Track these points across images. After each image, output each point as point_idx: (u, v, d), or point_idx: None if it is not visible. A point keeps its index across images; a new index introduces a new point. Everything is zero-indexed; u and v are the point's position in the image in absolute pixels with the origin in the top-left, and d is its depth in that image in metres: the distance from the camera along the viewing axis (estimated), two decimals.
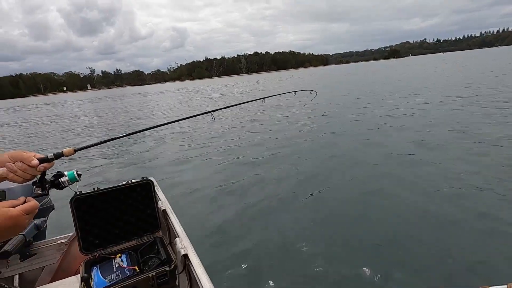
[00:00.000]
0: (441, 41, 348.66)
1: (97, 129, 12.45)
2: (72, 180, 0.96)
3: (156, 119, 14.08)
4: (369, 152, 5.53)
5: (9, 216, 0.75)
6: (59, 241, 1.70)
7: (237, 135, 8.35)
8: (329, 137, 6.99)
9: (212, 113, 1.53)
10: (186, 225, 1.52)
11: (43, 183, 0.95)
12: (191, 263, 1.13)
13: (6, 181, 0.88)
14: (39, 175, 0.92)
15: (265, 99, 2.18)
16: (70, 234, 1.73)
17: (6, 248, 1.30)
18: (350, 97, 14.48)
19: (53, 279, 1.69)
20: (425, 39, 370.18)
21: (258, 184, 4.50)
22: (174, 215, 1.57)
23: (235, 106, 1.96)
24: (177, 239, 1.28)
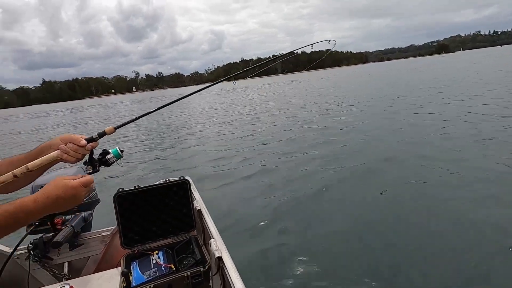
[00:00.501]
0: (499, 33, 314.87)
1: (138, 128, 13.22)
2: (117, 156, 1.02)
3: (192, 118, 14.58)
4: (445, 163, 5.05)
5: (70, 187, 0.83)
6: (103, 234, 1.81)
7: (273, 134, 8.32)
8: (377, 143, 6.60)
9: (234, 80, 1.52)
10: (220, 226, 1.52)
11: (93, 161, 1.02)
12: (225, 266, 1.12)
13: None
14: (88, 155, 1.00)
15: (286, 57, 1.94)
16: (113, 227, 1.83)
17: (57, 238, 1.41)
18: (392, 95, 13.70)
19: (96, 269, 1.80)
20: (479, 31, 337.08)
21: (296, 184, 4.39)
22: (209, 215, 1.58)
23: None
24: (212, 240, 1.28)
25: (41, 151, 1.01)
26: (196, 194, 1.81)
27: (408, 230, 2.93)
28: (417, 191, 3.75)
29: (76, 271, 1.78)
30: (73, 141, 0.96)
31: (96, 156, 1.04)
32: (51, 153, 0.96)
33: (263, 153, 6.45)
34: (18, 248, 1.61)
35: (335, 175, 4.62)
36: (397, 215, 3.23)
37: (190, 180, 1.70)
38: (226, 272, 1.11)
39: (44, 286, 1.68)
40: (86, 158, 1.01)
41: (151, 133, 11.46)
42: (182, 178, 1.61)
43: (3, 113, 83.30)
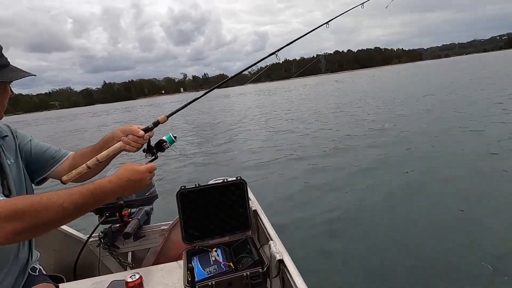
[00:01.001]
0: None
1: (188, 126, 13.89)
2: (171, 142, 1.08)
3: (239, 118, 14.88)
4: None
5: (137, 171, 0.92)
6: (161, 227, 1.91)
7: (324, 136, 8.10)
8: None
9: (276, 53, 1.51)
10: (276, 227, 1.51)
11: (150, 149, 1.10)
12: (287, 270, 1.10)
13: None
14: (146, 144, 1.09)
15: (329, 23, 1.83)
16: (170, 222, 1.92)
17: (128, 230, 1.53)
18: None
19: (155, 261, 1.91)
20: None
21: (352, 184, 4.22)
22: (265, 216, 1.58)
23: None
24: (271, 242, 1.28)
25: (105, 143, 1.11)
26: (250, 194, 1.83)
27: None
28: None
29: (138, 261, 1.91)
30: (132, 132, 1.06)
31: (152, 144, 1.11)
32: (115, 145, 1.06)
33: (317, 155, 6.28)
34: (92, 236, 1.78)
35: (405, 180, 4.31)
36: (484, 243, 2.67)
37: (246, 181, 1.72)
38: (288, 276, 1.09)
39: (112, 272, 1.83)
40: (145, 146, 1.09)
41: (203, 132, 11.92)
42: (239, 178, 1.63)
43: (71, 111, 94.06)
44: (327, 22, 1.76)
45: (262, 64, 1.58)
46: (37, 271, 1.15)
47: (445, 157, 5.06)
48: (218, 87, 1.53)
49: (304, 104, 18.11)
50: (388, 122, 8.71)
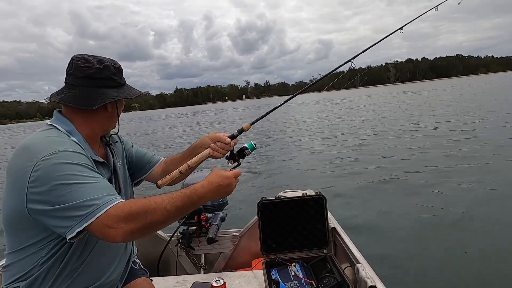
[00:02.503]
0: None
1: (253, 132, 14.23)
2: (252, 149, 1.11)
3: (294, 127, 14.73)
4: None
5: (225, 176, 0.97)
6: (232, 234, 1.96)
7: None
8: None
9: (352, 60, 1.42)
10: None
11: (234, 156, 1.14)
12: None
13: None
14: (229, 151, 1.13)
15: (403, 28, 1.69)
16: (241, 229, 1.96)
17: (211, 235, 1.61)
18: None
19: (226, 266, 1.97)
20: None
21: (449, 204, 3.81)
22: (346, 235, 1.51)
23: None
24: (359, 265, 1.20)
25: (194, 150, 1.18)
26: (328, 211, 1.76)
27: None
28: None
29: (210, 264, 1.99)
30: (220, 140, 1.12)
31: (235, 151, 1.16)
32: (204, 152, 1.12)
33: (395, 169, 5.74)
34: (173, 235, 1.91)
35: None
36: None
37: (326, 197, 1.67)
38: None
39: (187, 272, 1.94)
40: (227, 153, 1.13)
41: (270, 141, 11.79)
42: (319, 193, 1.59)
43: (148, 113, 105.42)
44: (401, 28, 1.66)
45: (324, 72, 1.55)
46: (137, 264, 1.28)
47: None
48: (301, 93, 1.54)
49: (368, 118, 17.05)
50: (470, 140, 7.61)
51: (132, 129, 27.53)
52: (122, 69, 1.05)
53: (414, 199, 4.21)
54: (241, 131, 1.15)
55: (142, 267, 1.30)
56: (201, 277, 1.57)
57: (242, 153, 1.14)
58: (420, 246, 3.01)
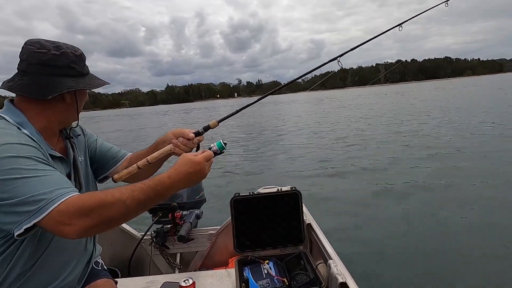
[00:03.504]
0: None
1: (238, 128, 14.21)
2: (221, 148, 1.06)
3: (290, 126, 14.78)
4: None
5: (195, 162, 0.89)
6: (209, 232, 1.91)
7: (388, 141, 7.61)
8: None
9: (339, 58, 1.40)
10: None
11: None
12: None
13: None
14: (195, 148, 1.08)
15: (402, 25, 1.68)
16: (218, 227, 1.91)
17: (182, 233, 1.56)
18: None
19: (202, 264, 1.92)
20: None
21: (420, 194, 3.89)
22: (321, 231, 1.48)
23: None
24: (331, 261, 1.18)
25: (157, 145, 1.13)
26: (304, 207, 1.74)
27: None
28: None
29: (185, 263, 1.93)
30: (183, 135, 1.06)
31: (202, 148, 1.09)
32: (165, 147, 1.07)
33: (373, 167, 5.89)
34: (146, 234, 1.84)
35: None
36: None
37: (301, 192, 1.64)
38: None
39: (162, 272, 1.89)
40: (194, 150, 1.08)
41: (253, 138, 12.04)
42: (294, 188, 1.56)
43: (138, 110, 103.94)
44: (400, 24, 1.62)
45: (317, 72, 1.49)
46: (99, 265, 1.21)
47: None
48: (272, 93, 1.48)
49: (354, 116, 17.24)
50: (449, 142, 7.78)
51: (120, 125, 27.16)
52: (84, 57, 0.99)
53: (392, 198, 4.28)
54: (207, 128, 1.09)
55: (105, 267, 1.24)
56: (174, 277, 1.52)
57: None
58: (399, 244, 3.04)
